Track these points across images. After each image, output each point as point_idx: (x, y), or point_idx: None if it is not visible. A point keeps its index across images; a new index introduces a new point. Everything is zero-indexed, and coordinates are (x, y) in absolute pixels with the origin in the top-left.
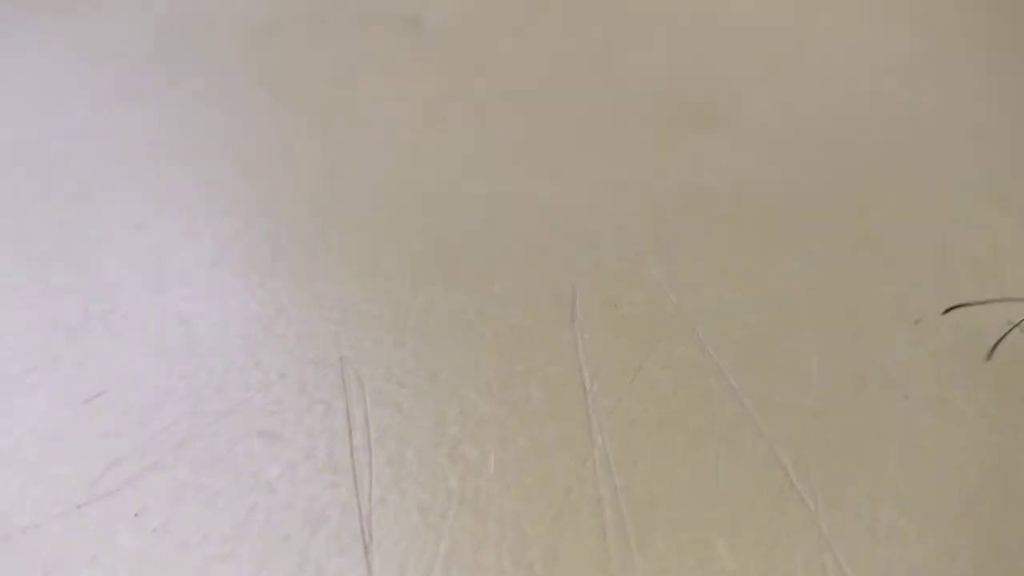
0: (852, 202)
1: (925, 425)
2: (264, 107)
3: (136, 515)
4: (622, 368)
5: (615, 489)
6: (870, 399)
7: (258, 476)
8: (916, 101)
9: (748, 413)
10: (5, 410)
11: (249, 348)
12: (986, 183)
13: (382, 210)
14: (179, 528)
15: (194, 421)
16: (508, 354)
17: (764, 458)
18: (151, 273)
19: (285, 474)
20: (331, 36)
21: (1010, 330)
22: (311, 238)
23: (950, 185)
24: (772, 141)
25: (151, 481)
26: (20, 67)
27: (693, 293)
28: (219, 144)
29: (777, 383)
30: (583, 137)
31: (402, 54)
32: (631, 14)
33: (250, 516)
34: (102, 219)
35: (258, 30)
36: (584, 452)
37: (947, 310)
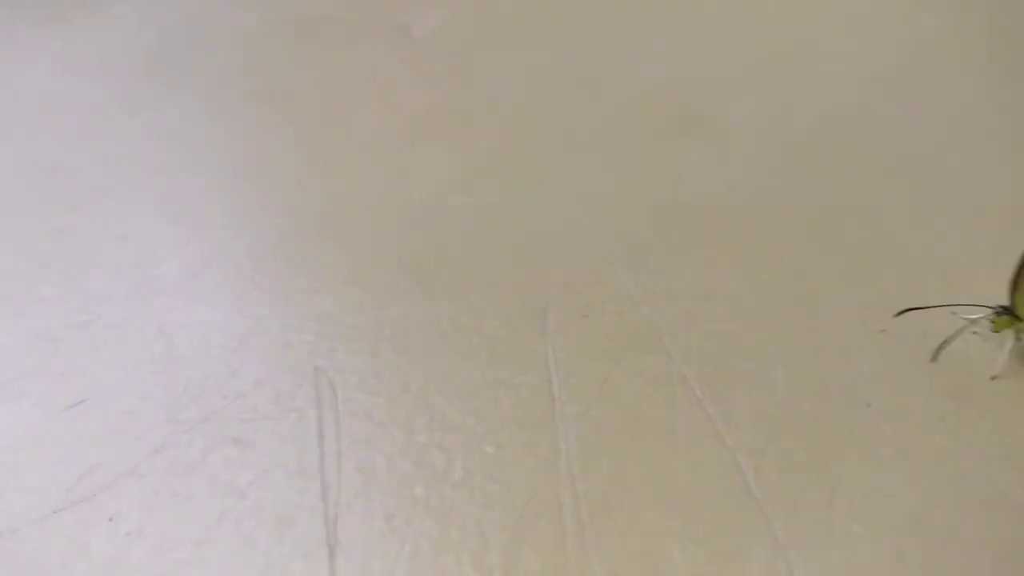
0: (826, 214)
1: (884, 433)
2: (253, 118)
3: (110, 520)
4: (590, 377)
5: (576, 495)
6: (832, 408)
7: (230, 482)
8: (898, 113)
9: (711, 421)
10: None
11: (227, 358)
12: (960, 194)
13: (363, 223)
14: (151, 533)
15: (170, 429)
16: (479, 363)
17: (724, 465)
18: (135, 284)
19: (256, 480)
20: (322, 47)
21: (957, 333)
22: (291, 250)
23: (925, 197)
24: (752, 154)
25: (126, 487)
26: (11, 78)
27: (663, 304)
28: (207, 156)
29: (741, 392)
30: (565, 149)
31: (391, 65)
32: (618, 26)
33: (220, 521)
34: (89, 231)
35: (250, 41)
36: (548, 459)
37: (899, 313)
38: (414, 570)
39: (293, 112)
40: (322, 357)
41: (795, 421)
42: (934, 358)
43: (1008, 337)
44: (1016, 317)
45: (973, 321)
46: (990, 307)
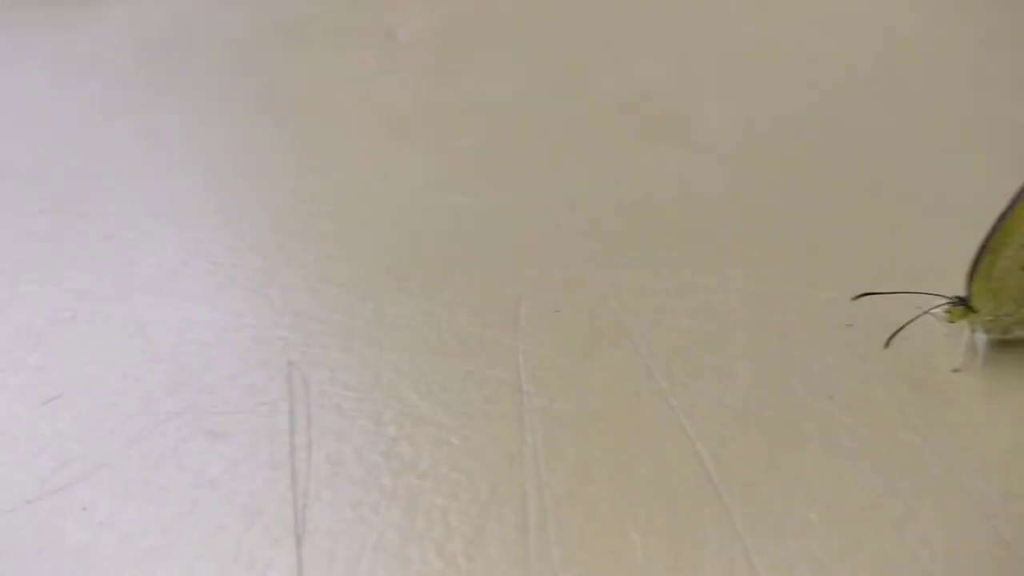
0: (797, 213)
1: (845, 424)
2: (238, 121)
3: (84, 509)
4: (558, 371)
5: (540, 485)
6: (794, 400)
7: (201, 473)
8: (870, 114)
9: (674, 413)
10: None
11: (203, 352)
12: (931, 192)
13: (340, 222)
14: (124, 521)
15: (145, 422)
16: (450, 358)
17: (686, 455)
18: (115, 282)
19: (227, 471)
20: (308, 50)
21: (910, 321)
22: (269, 248)
23: (894, 195)
24: (726, 154)
25: (101, 478)
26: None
27: (632, 300)
28: (191, 158)
29: (704, 385)
30: (542, 150)
31: (374, 68)
32: (597, 29)
33: (191, 509)
34: (73, 231)
35: (236, 45)
36: (514, 450)
37: (856, 296)
38: (379, 558)
39: (278, 114)
40: (296, 352)
41: (757, 413)
42: (887, 344)
43: (965, 329)
44: (970, 308)
45: (929, 310)
46: (946, 297)
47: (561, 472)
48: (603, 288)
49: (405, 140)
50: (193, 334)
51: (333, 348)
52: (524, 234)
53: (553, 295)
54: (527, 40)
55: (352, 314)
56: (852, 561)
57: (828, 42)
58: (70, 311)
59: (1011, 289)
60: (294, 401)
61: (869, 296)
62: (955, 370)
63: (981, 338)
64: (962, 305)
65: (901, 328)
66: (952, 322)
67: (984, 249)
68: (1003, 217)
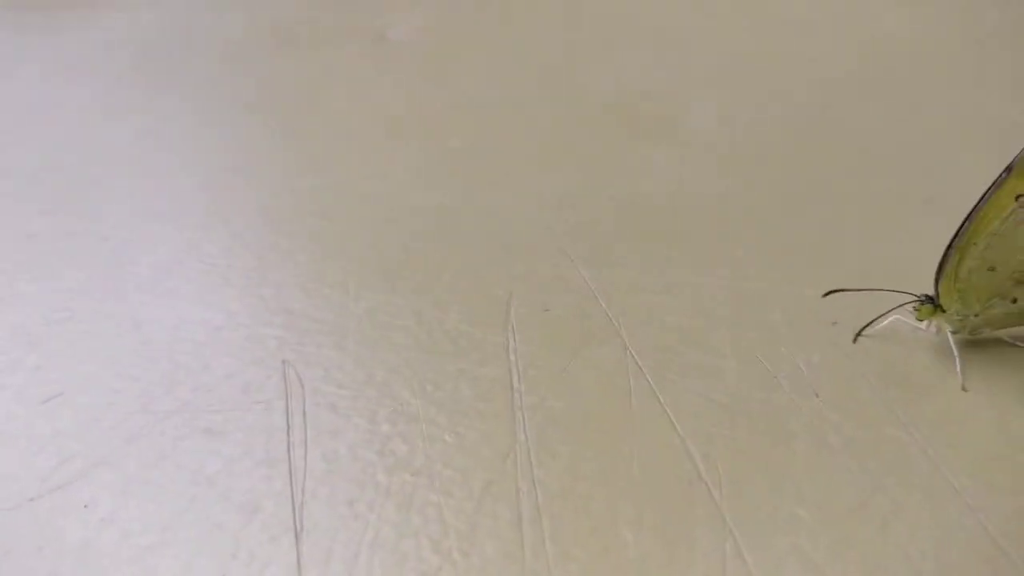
0: (785, 212)
1: (832, 421)
2: (233, 122)
3: (85, 507)
4: (549, 368)
5: (533, 482)
6: (781, 397)
7: (199, 471)
8: (856, 114)
9: (664, 410)
10: None
11: (198, 351)
12: (918, 190)
13: (332, 221)
14: (123, 519)
15: (143, 420)
16: (442, 356)
17: (676, 452)
18: (112, 282)
19: (224, 469)
20: (301, 52)
21: (880, 317)
22: (262, 247)
23: (879, 194)
24: (715, 153)
25: (100, 476)
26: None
27: (621, 298)
28: (187, 159)
29: (693, 382)
30: (532, 149)
31: (366, 69)
32: (587, 29)
33: (189, 507)
34: (70, 231)
35: (231, 47)
36: (507, 447)
37: (825, 294)
38: (376, 554)
39: (273, 114)
40: (290, 350)
41: (745, 411)
42: (855, 339)
43: (935, 326)
44: (938, 307)
45: (897, 308)
46: (915, 295)
47: (554, 469)
48: (592, 286)
49: (398, 140)
50: (189, 333)
51: (327, 347)
52: (514, 233)
53: (543, 293)
54: (517, 40)
55: (345, 313)
56: (842, 558)
57: (817, 41)
58: (67, 311)
59: (978, 290)
60: (289, 399)
61: (853, 293)
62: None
63: (952, 337)
64: (930, 304)
65: (868, 324)
66: (920, 320)
67: (951, 249)
68: (969, 218)
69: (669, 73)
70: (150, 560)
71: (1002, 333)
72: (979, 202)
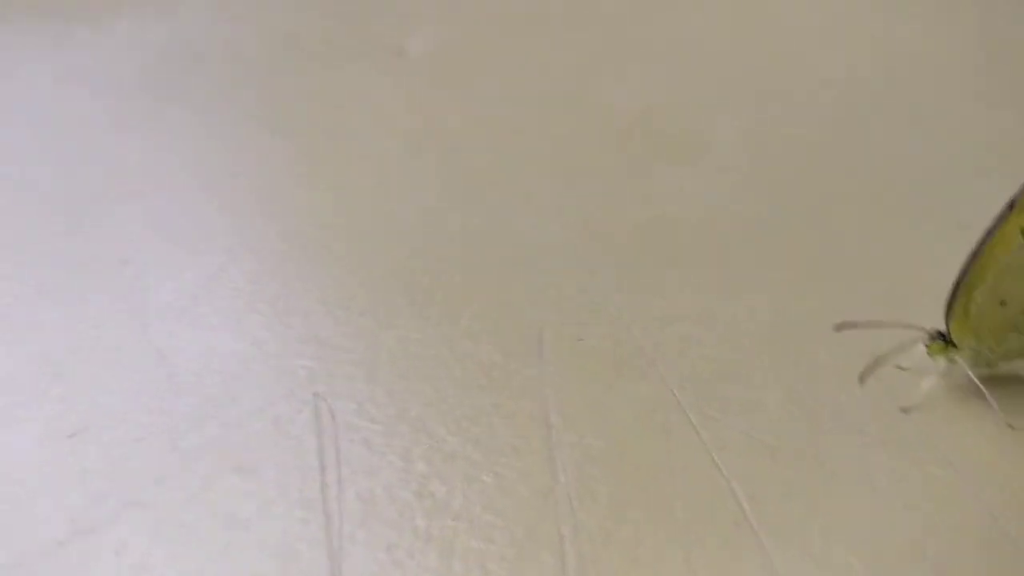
0: (814, 232)
1: (878, 462)
2: (250, 140)
3: (116, 553)
4: (586, 403)
5: (575, 527)
6: (825, 435)
7: (233, 513)
8: (885, 128)
9: (706, 449)
10: None
11: (227, 384)
12: (952, 214)
13: (357, 245)
14: (156, 564)
15: (172, 458)
16: (476, 389)
17: (721, 494)
18: (135, 308)
19: (258, 511)
20: (316, 65)
21: (887, 356)
22: (288, 273)
23: (917, 217)
24: (737, 171)
25: (131, 517)
26: (8, 98)
27: (655, 327)
28: (205, 178)
29: (735, 419)
30: (555, 169)
31: (385, 86)
32: (606, 43)
33: (224, 552)
34: (90, 254)
35: (246, 61)
36: (546, 488)
37: (837, 328)
38: None
39: (289, 132)
40: (321, 383)
41: (789, 449)
42: (861, 381)
43: (941, 364)
44: (949, 343)
45: (907, 345)
46: (925, 330)
47: (596, 512)
48: (625, 315)
49: (417, 158)
50: (216, 364)
51: (358, 379)
52: (541, 256)
53: (575, 322)
54: (535, 56)
55: (375, 342)
56: None
57: (841, 55)
58: (90, 339)
59: (991, 325)
60: (322, 435)
61: (890, 326)
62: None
63: (971, 372)
64: (941, 340)
65: (875, 362)
66: (931, 356)
67: (958, 287)
68: (975, 255)
69: (690, 88)
70: None
71: (1020, 366)
72: (983, 239)
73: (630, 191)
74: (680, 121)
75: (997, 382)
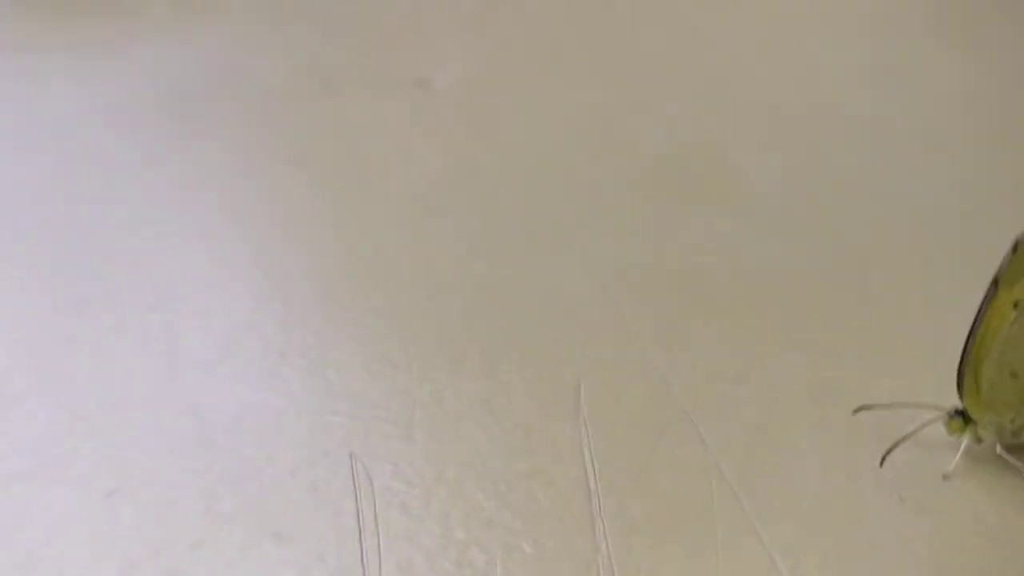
0: (852, 284)
1: (919, 530)
2: (276, 177)
3: None
4: (626, 468)
5: None
6: (865, 502)
7: None
8: (917, 169)
9: (748, 519)
10: (25, 507)
11: (261, 442)
12: (985, 261)
13: (388, 292)
14: None
15: (208, 521)
16: (514, 451)
17: (763, 565)
18: (165, 361)
19: None
20: (341, 99)
21: (904, 437)
22: (320, 323)
23: (955, 268)
24: (772, 217)
25: None
26: (31, 132)
27: (695, 387)
28: (231, 217)
29: (776, 486)
30: (585, 213)
31: (410, 121)
32: (634, 79)
33: None
34: (118, 302)
35: (268, 94)
36: (588, 559)
37: (856, 410)
38: None
39: (315, 170)
40: (357, 442)
41: (829, 518)
42: (881, 463)
43: (964, 440)
44: (968, 419)
45: (925, 424)
46: (944, 408)
47: None
48: (663, 372)
49: (445, 200)
50: (250, 421)
51: (394, 438)
52: (575, 308)
53: (613, 379)
54: (561, 91)
55: (410, 399)
56: None
57: (868, 94)
58: (121, 392)
59: (1006, 398)
60: (359, 499)
61: (939, 388)
62: (946, 477)
63: (998, 446)
64: (959, 418)
65: (896, 444)
66: (951, 435)
67: (963, 367)
68: (973, 333)
69: (722, 127)
70: None
71: None
72: (976, 318)
73: (665, 237)
74: (713, 161)
75: None
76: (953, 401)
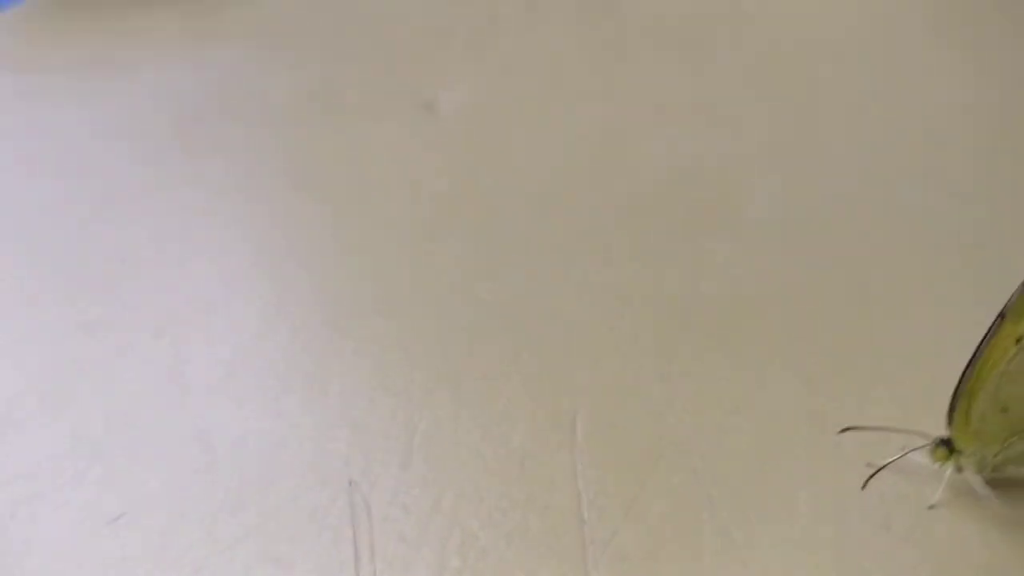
0: (850, 312)
1: (905, 558)
2: (280, 199)
3: None
4: (619, 497)
5: None
6: (852, 532)
7: None
8: (921, 193)
9: (736, 548)
10: (31, 531)
11: (263, 468)
12: (995, 298)
13: (390, 316)
14: None
15: (210, 547)
16: (509, 479)
17: None
18: (169, 383)
19: None
20: (346, 122)
21: (890, 462)
22: (323, 347)
23: (958, 300)
24: (771, 243)
25: None
26: (38, 152)
27: (690, 416)
28: (237, 238)
29: (765, 515)
30: (585, 238)
31: (415, 144)
32: (637, 102)
33: None
34: (123, 324)
35: (274, 115)
36: None
37: (842, 431)
38: None
39: (320, 192)
40: (356, 469)
41: (817, 547)
42: (863, 486)
43: (948, 469)
44: (954, 450)
45: (908, 451)
46: (929, 436)
47: None
48: (659, 400)
49: (447, 224)
50: (252, 445)
51: (392, 466)
52: (575, 335)
53: (609, 407)
54: (564, 114)
55: (409, 427)
56: None
57: (870, 113)
58: (126, 416)
59: (994, 431)
60: (357, 527)
61: (933, 418)
62: (931, 507)
63: (976, 479)
64: (944, 447)
65: (879, 469)
66: (935, 463)
67: (957, 395)
68: (972, 363)
69: (724, 151)
70: None
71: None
72: (977, 349)
73: (661, 264)
74: (715, 186)
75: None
76: (941, 430)
